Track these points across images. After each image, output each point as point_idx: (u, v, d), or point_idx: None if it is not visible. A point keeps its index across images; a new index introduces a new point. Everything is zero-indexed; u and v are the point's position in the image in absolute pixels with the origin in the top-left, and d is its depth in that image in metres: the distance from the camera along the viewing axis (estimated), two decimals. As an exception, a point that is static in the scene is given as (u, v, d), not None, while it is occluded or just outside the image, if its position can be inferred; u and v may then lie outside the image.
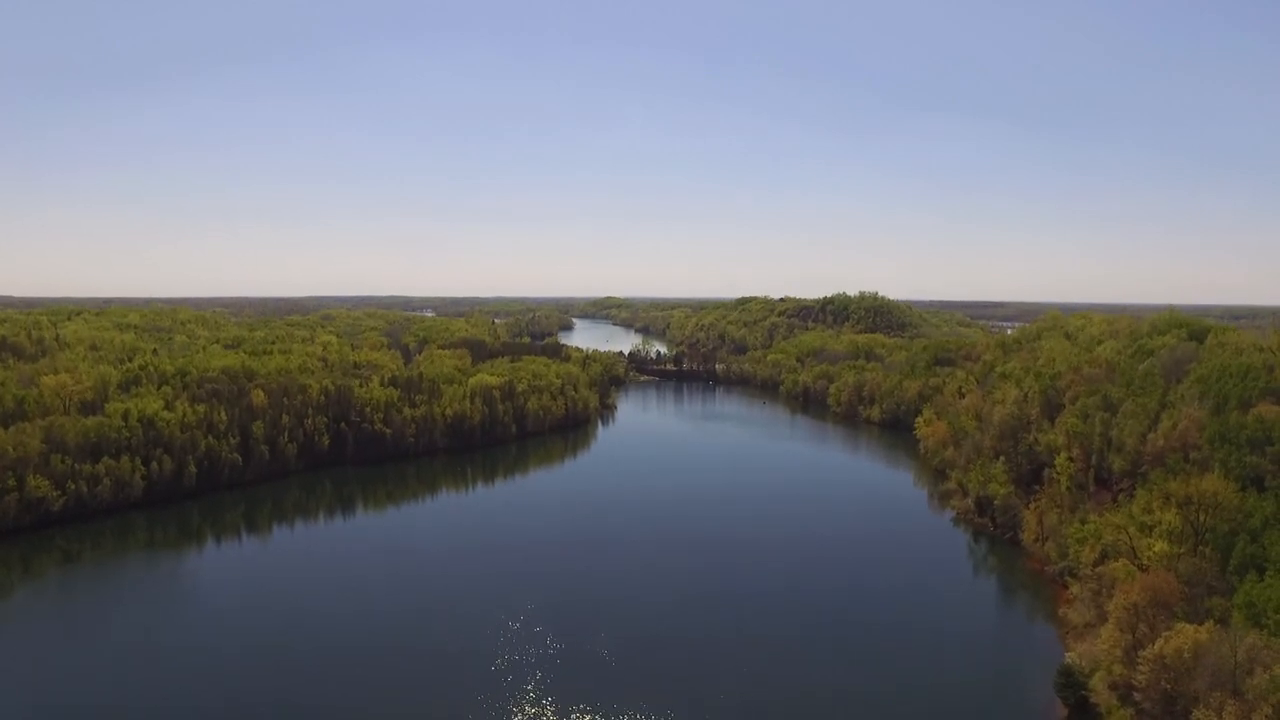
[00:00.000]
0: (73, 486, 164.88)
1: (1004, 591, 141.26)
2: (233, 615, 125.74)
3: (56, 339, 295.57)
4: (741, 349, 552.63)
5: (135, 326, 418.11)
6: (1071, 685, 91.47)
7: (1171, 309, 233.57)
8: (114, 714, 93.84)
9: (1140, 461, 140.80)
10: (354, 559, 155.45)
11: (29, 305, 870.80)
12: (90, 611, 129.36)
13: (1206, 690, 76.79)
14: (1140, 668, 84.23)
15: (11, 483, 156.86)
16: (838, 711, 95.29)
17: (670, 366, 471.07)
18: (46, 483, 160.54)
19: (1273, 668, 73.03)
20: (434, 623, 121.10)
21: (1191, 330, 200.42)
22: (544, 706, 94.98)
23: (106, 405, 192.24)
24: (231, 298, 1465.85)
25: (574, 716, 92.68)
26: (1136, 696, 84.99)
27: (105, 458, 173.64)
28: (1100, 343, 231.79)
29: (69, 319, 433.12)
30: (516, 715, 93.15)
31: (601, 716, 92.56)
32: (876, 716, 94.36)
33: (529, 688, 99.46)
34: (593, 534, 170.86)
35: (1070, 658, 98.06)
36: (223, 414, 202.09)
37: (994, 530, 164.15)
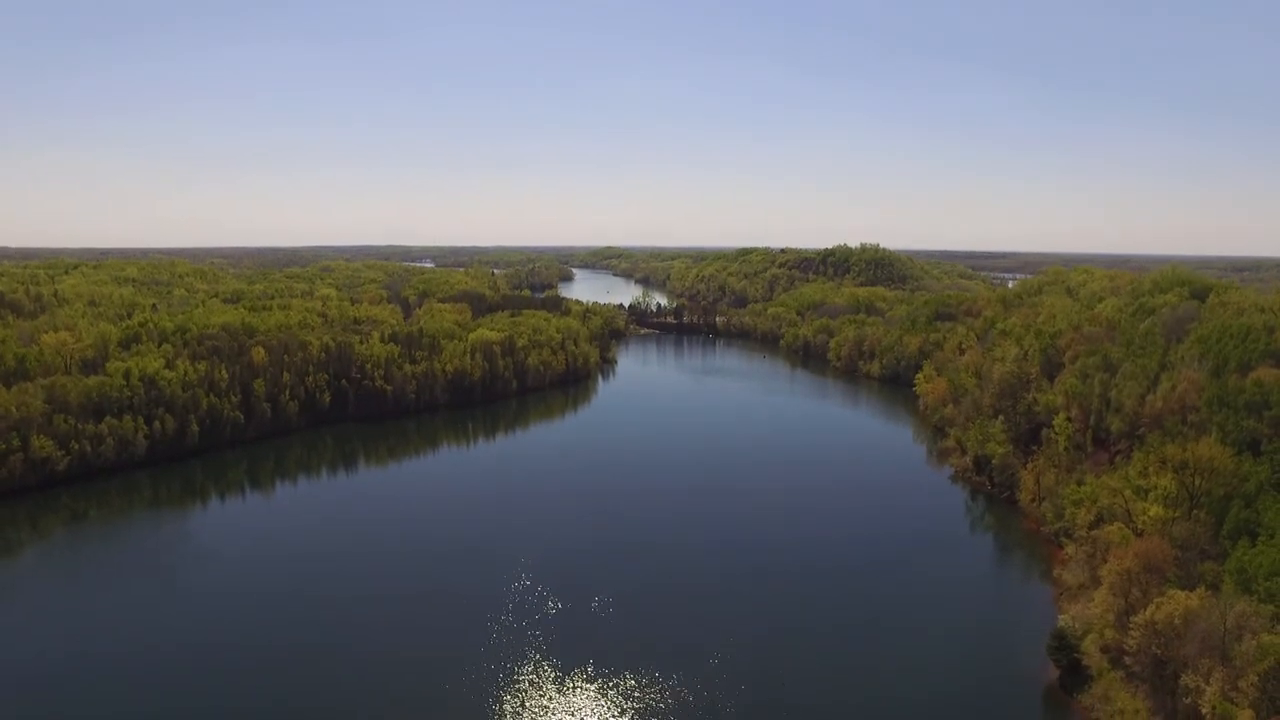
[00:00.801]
0: (76, 446, 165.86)
1: (1000, 551, 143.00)
2: (237, 571, 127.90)
3: (55, 295, 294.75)
4: (742, 301, 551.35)
5: (134, 280, 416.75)
6: (1064, 648, 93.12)
7: (1174, 267, 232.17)
8: (131, 663, 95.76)
9: (1138, 423, 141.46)
10: (357, 515, 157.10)
11: (25, 256, 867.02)
12: (99, 569, 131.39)
13: (1196, 656, 78.21)
14: (1131, 633, 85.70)
15: (16, 443, 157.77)
16: (835, 668, 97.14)
17: (670, 319, 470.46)
18: (50, 443, 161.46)
19: (1261, 635, 74.31)
20: (437, 579, 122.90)
21: (1193, 288, 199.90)
22: (546, 662, 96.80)
23: (107, 364, 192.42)
24: (230, 248, 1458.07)
25: (575, 673, 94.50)
26: (1127, 660, 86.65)
27: (108, 417, 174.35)
28: (1101, 300, 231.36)
29: (66, 273, 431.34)
30: (519, 672, 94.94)
31: (602, 671, 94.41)
32: (873, 674, 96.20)
33: (531, 642, 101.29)
34: (593, 489, 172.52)
35: (1064, 620, 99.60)
36: (224, 372, 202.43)
37: (991, 489, 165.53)
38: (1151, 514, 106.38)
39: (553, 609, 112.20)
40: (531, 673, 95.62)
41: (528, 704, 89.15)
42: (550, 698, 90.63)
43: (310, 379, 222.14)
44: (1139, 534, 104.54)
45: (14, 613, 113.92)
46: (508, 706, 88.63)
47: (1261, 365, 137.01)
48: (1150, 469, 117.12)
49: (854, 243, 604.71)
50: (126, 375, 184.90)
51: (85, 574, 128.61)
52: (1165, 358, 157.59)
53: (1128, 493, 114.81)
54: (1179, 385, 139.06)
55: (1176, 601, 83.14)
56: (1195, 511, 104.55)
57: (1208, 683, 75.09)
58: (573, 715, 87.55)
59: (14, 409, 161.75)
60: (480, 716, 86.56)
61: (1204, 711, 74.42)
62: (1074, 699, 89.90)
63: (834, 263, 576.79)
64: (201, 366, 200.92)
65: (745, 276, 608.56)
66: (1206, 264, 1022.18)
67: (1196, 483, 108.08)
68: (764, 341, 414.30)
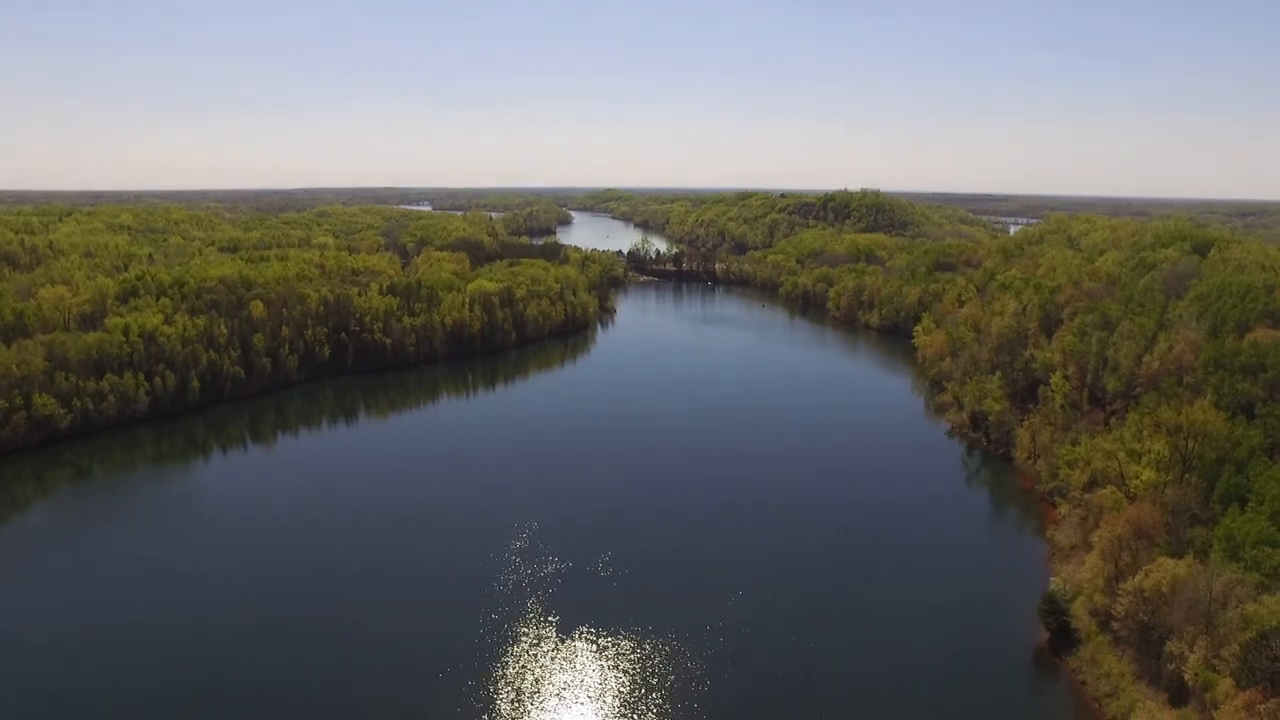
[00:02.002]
0: (78, 404, 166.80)
1: (995, 508, 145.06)
2: (238, 525, 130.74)
3: (50, 246, 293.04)
4: (741, 247, 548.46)
5: (129, 228, 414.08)
6: (1054, 612, 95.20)
7: (1176, 221, 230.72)
8: (137, 616, 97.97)
9: (1134, 383, 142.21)
10: (358, 469, 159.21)
11: (18, 200, 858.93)
12: (105, 524, 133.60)
13: (1181, 623, 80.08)
14: (1120, 599, 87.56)
15: (18, 400, 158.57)
16: (828, 627, 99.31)
17: (670, 267, 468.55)
18: (53, 401, 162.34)
19: (1245, 605, 75.96)
20: (437, 534, 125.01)
21: (1195, 243, 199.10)
22: (546, 617, 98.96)
23: (106, 319, 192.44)
24: (225, 190, 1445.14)
25: (574, 631, 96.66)
26: (1114, 625, 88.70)
27: (109, 374, 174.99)
28: (1103, 252, 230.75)
29: (60, 220, 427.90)
30: (520, 630, 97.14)
31: (600, 629, 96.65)
32: (865, 633, 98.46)
33: (531, 597, 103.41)
34: (591, 441, 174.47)
35: (1055, 583, 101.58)
36: (223, 327, 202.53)
37: (987, 445, 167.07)
38: (1144, 478, 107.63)
39: (551, 563, 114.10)
40: (531, 627, 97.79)
41: (527, 660, 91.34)
42: (549, 653, 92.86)
43: (309, 332, 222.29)
44: (1131, 498, 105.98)
45: (23, 569, 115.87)
46: (509, 661, 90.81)
47: (1259, 326, 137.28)
48: (1145, 431, 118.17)
49: (854, 186, 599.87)
50: (126, 331, 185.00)
51: (89, 530, 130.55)
52: (1164, 316, 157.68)
53: (1121, 455, 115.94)
54: (1176, 346, 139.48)
55: (1165, 569, 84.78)
56: (1187, 475, 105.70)
57: (1191, 650, 77.06)
58: (572, 673, 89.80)
59: (15, 367, 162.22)
60: (480, 672, 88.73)
61: (1187, 678, 76.51)
62: (1062, 661, 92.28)
63: (834, 208, 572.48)
64: (200, 321, 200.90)
65: (745, 221, 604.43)
66: (1211, 208, 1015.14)
67: (1189, 445, 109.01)
68: (763, 289, 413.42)
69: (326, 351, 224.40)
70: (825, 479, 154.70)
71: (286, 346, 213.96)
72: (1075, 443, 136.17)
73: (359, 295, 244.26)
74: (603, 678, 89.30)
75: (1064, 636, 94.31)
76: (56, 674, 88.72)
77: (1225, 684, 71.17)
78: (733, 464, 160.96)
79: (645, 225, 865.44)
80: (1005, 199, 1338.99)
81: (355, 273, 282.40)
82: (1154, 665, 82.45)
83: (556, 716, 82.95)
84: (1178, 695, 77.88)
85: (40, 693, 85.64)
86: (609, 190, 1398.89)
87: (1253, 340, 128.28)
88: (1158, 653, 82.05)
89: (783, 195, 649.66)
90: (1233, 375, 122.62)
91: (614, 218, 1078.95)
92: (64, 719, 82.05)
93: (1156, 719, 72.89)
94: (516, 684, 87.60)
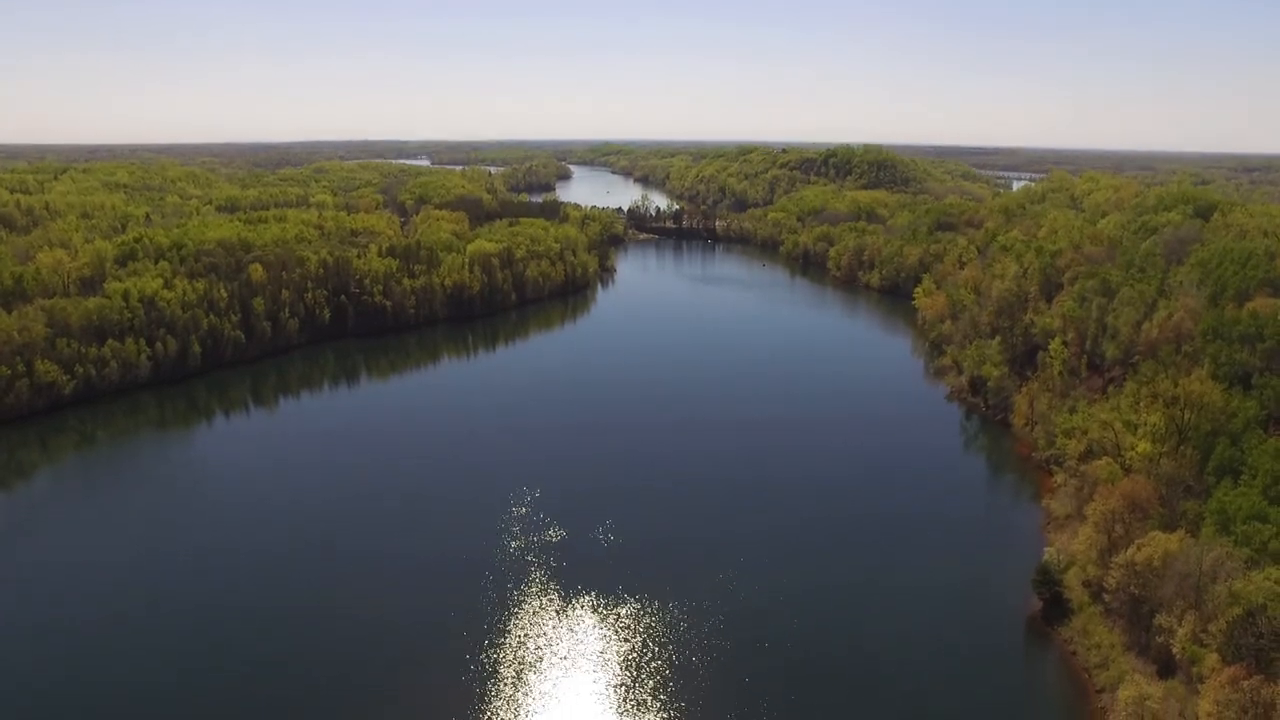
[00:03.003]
0: (81, 370, 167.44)
1: (992, 474, 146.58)
2: (241, 489, 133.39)
3: (46, 207, 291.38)
4: (742, 204, 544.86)
5: (125, 186, 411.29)
6: (1047, 582, 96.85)
7: (1179, 183, 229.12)
8: (150, 573, 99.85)
9: (1133, 351, 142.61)
10: (359, 432, 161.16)
11: (9, 154, 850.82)
12: (112, 487, 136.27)
13: (1171, 597, 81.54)
14: (1112, 571, 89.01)
15: (20, 367, 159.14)
16: (824, 593, 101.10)
17: (670, 224, 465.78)
18: (55, 367, 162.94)
19: (1234, 581, 77.29)
20: (438, 497, 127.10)
21: (1198, 206, 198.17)
22: (549, 590, 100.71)
23: (105, 284, 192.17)
24: (220, 144, 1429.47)
25: (575, 597, 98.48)
26: (1106, 597, 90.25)
27: (110, 340, 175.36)
28: (1105, 214, 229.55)
29: (55, 178, 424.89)
30: (522, 598, 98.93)
31: (603, 597, 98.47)
32: (860, 602, 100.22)
33: (532, 562, 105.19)
34: (589, 407, 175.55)
35: (1049, 553, 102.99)
36: (222, 290, 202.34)
37: (985, 410, 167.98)
38: (1140, 449, 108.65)
39: (552, 531, 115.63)
40: (533, 595, 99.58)
41: (529, 628, 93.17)
42: (550, 616, 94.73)
43: (309, 295, 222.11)
44: (1127, 470, 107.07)
45: (32, 534, 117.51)
46: (511, 629, 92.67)
47: (1260, 294, 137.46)
48: (1142, 402, 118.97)
49: (857, 139, 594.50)
50: (125, 296, 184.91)
51: (93, 497, 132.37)
52: (1164, 282, 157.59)
53: (1118, 425, 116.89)
54: (1175, 314, 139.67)
55: (1156, 544, 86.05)
56: (1182, 447, 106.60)
57: (1180, 624, 78.61)
58: (572, 638, 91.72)
59: (16, 334, 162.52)
60: (482, 640, 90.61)
61: (1175, 652, 78.19)
62: (1055, 630, 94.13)
63: (836, 164, 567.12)
64: (200, 285, 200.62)
65: (746, 177, 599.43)
66: (1216, 161, 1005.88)
67: (1185, 417, 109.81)
68: (764, 248, 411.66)
69: (327, 314, 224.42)
70: (824, 444, 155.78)
71: (286, 310, 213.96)
72: (1073, 410, 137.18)
73: (358, 257, 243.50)
74: (604, 647, 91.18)
75: (1057, 606, 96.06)
76: (57, 646, 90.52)
77: (1211, 659, 72.78)
78: (731, 429, 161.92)
79: (645, 180, 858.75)
80: (1008, 152, 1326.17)
81: (354, 234, 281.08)
82: (1143, 637, 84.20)
83: (559, 684, 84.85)
84: (1166, 667, 79.60)
85: (39, 664, 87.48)
86: (608, 144, 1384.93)
87: (1252, 310, 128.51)
88: (1147, 625, 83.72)
89: (784, 150, 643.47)
90: (1231, 345, 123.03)
91: (614, 172, 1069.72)
92: (61, 691, 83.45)
93: (1144, 691, 74.51)
94: (519, 652, 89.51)
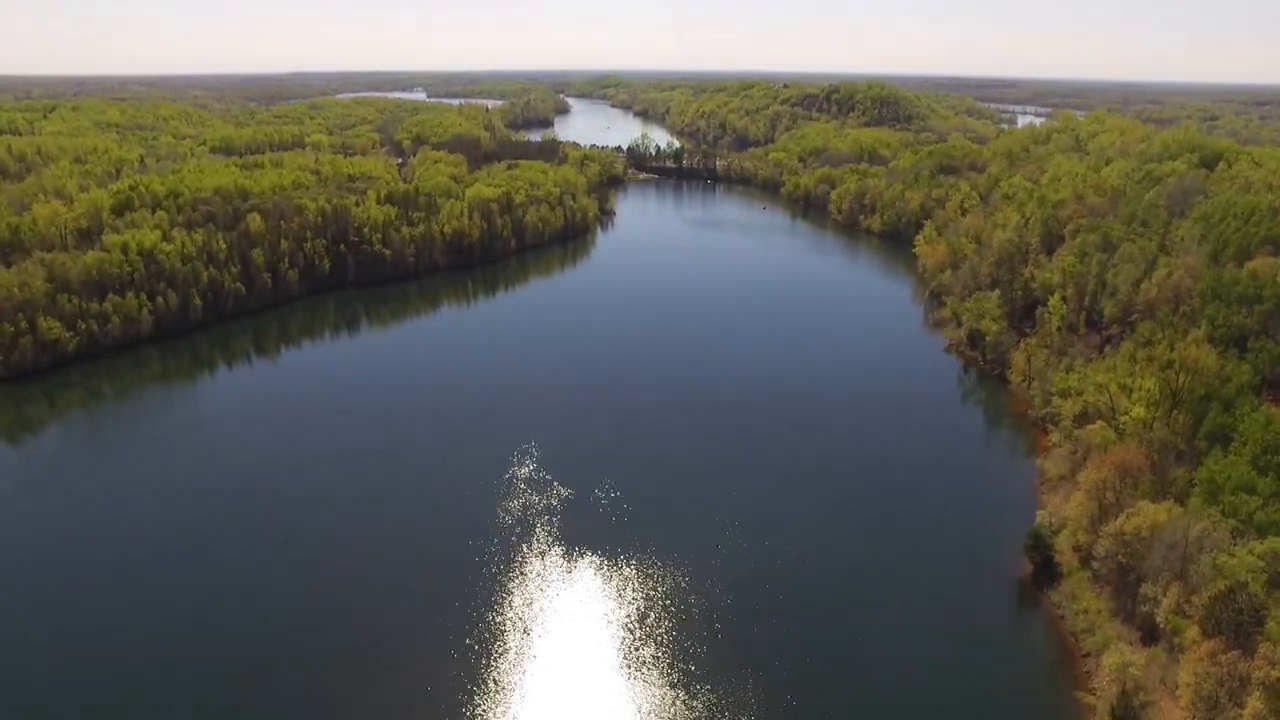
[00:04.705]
0: (83, 326, 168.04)
1: (987, 430, 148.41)
2: (245, 440, 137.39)
3: (39, 151, 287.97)
4: (743, 141, 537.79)
5: (117, 125, 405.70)
6: (1038, 547, 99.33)
7: (1185, 129, 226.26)
8: (150, 538, 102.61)
9: (1131, 309, 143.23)
10: (361, 383, 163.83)
11: None
12: (121, 439, 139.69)
13: (1157, 567, 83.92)
14: (1101, 539, 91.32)
15: (23, 324, 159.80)
16: (819, 552, 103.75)
17: (670, 164, 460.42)
18: (58, 324, 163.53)
19: (1218, 554, 79.48)
20: (441, 456, 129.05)
21: (1204, 155, 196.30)
22: (552, 547, 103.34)
23: (103, 236, 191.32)
24: (212, 75, 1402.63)
25: (583, 560, 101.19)
26: (1095, 563, 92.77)
27: (111, 295, 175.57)
28: (1109, 161, 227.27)
29: (45, 116, 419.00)
30: (525, 556, 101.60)
31: (605, 555, 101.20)
32: (856, 561, 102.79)
33: (532, 519, 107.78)
34: (589, 359, 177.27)
35: (1041, 516, 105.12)
36: (221, 242, 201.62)
37: (983, 365, 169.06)
38: (1134, 414, 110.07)
39: (554, 488, 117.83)
40: (536, 553, 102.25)
41: (533, 585, 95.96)
42: (554, 579, 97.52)
43: (309, 245, 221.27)
44: (1120, 434, 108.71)
45: (40, 488, 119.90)
46: (514, 585, 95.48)
47: (1260, 252, 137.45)
48: (1138, 364, 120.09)
49: (860, 71, 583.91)
50: (125, 250, 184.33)
51: (103, 448, 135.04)
52: (1165, 237, 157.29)
53: (1113, 388, 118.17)
54: (1174, 272, 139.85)
55: (1145, 514, 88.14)
56: (1175, 412, 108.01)
57: (1164, 595, 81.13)
58: (573, 597, 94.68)
59: (16, 290, 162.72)
60: (486, 596, 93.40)
61: (1158, 621, 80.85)
62: (1044, 594, 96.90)
63: (838, 100, 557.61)
64: (198, 236, 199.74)
65: (747, 114, 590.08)
66: (1227, 94, 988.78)
67: (1180, 381, 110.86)
68: (764, 189, 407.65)
69: (326, 264, 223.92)
70: (823, 395, 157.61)
71: (286, 260, 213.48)
72: (1069, 369, 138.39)
73: (357, 205, 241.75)
74: (606, 607, 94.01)
75: (1047, 570, 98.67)
76: (62, 598, 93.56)
77: (1193, 630, 75.40)
78: (730, 381, 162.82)
79: (645, 115, 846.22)
80: (1013, 84, 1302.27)
81: (352, 179, 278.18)
82: (1129, 605, 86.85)
83: (563, 642, 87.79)
84: (1149, 635, 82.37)
85: (46, 616, 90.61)
86: (608, 75, 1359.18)
87: (1251, 270, 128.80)
88: (1134, 593, 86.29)
89: (785, 86, 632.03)
90: (1229, 306, 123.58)
91: (613, 105, 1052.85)
92: (67, 645, 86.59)
93: (1127, 658, 77.25)
94: (522, 610, 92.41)
